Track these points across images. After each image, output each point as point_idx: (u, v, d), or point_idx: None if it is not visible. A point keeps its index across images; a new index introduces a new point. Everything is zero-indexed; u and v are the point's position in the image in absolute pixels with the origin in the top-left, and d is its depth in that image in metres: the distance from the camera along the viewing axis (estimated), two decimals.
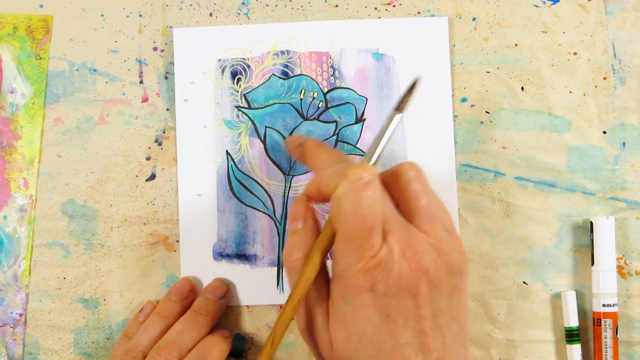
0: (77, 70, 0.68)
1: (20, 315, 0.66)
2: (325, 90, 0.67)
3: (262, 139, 0.67)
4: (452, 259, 0.52)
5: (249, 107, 0.67)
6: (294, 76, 0.67)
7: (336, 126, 0.67)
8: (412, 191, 0.53)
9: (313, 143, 0.60)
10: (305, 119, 0.67)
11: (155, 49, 0.68)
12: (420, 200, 0.53)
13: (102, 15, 0.68)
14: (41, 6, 0.68)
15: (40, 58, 0.68)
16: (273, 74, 0.67)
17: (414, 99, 0.55)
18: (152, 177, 0.67)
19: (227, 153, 0.67)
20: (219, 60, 0.67)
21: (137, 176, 0.67)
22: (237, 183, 0.67)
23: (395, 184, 0.54)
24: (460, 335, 0.53)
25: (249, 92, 0.67)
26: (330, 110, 0.67)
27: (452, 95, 0.67)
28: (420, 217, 0.53)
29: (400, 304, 0.50)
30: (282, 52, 0.68)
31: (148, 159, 0.67)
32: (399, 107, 0.55)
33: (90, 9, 0.68)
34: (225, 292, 0.65)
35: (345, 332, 0.51)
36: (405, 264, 0.50)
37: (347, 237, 0.49)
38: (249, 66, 0.67)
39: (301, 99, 0.67)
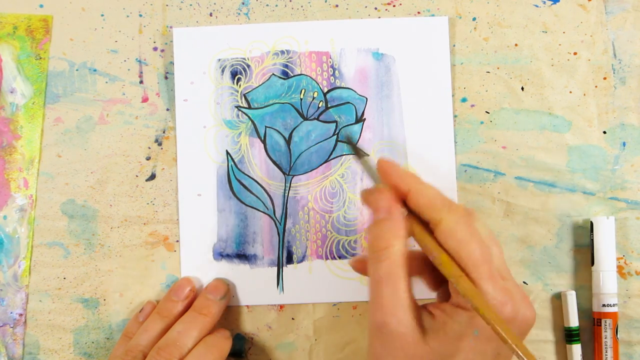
0: (77, 70, 0.68)
1: (20, 315, 0.66)
2: (325, 90, 0.67)
3: (262, 138, 0.67)
4: None
5: (249, 107, 0.67)
6: (294, 76, 0.67)
7: (336, 126, 0.67)
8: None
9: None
10: (305, 118, 0.67)
11: (155, 49, 0.68)
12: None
13: (102, 15, 0.68)
14: (41, 6, 0.68)
15: (40, 58, 0.68)
16: (273, 74, 0.67)
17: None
18: (152, 177, 0.67)
19: (227, 153, 0.67)
20: (219, 60, 0.67)
21: (137, 176, 0.67)
22: (237, 183, 0.67)
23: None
24: None
25: (249, 92, 0.67)
26: (330, 110, 0.67)
27: (452, 95, 0.67)
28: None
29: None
30: (282, 52, 0.68)
31: (148, 158, 0.67)
32: (359, 154, 0.57)
33: (90, 9, 0.68)
34: (226, 292, 0.65)
35: (454, 349, 0.51)
36: (529, 309, 0.52)
37: (474, 264, 0.50)
38: (248, 66, 0.67)
39: (301, 99, 0.67)
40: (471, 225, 0.51)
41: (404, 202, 0.53)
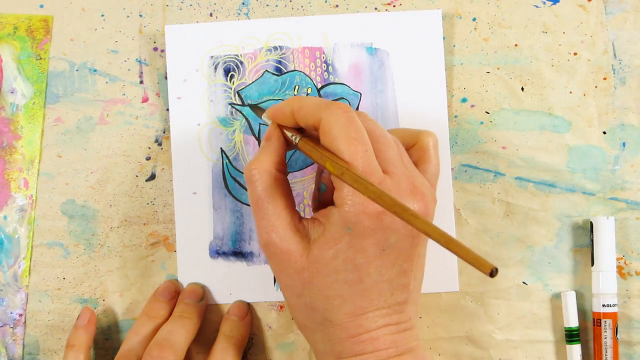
0: (77, 70, 0.68)
1: (20, 315, 0.66)
2: (319, 86, 0.67)
3: (257, 136, 0.67)
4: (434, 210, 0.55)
5: (243, 104, 0.67)
6: (288, 72, 0.67)
7: None
8: (428, 153, 0.58)
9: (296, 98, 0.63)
10: None
11: (155, 49, 0.68)
12: (432, 161, 0.58)
13: (102, 16, 0.68)
14: (41, 6, 0.68)
15: (41, 58, 0.68)
16: (266, 70, 0.67)
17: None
18: (152, 177, 0.67)
19: (222, 151, 0.67)
20: (212, 57, 0.67)
21: (137, 176, 0.67)
22: (232, 180, 0.67)
23: (412, 143, 0.59)
24: (421, 283, 0.57)
25: (243, 89, 0.67)
26: None
27: (452, 96, 0.67)
28: (428, 172, 0.58)
29: (399, 240, 0.52)
30: (275, 48, 0.67)
31: (148, 159, 0.67)
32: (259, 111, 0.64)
33: (90, 9, 0.68)
34: (202, 294, 0.65)
35: (334, 252, 0.52)
36: (415, 203, 0.52)
37: (346, 160, 0.51)
38: (242, 63, 0.67)
39: (295, 95, 0.67)
40: (348, 121, 0.52)
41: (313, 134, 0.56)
